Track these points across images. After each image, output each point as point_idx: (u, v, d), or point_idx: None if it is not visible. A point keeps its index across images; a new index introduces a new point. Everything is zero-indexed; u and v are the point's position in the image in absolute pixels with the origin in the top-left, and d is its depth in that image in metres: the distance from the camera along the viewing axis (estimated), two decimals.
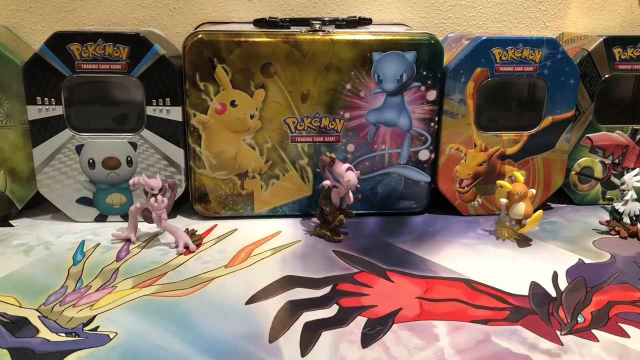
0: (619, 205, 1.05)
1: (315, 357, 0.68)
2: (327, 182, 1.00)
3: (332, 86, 1.03)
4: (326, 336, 0.72)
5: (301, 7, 1.24)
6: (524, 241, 1.02)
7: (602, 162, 1.18)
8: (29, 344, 0.69)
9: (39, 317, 0.75)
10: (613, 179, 1.19)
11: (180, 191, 1.06)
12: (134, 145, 1.04)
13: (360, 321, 0.76)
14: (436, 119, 1.07)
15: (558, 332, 0.74)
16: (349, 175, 0.96)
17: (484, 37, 1.04)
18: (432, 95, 1.05)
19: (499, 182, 1.03)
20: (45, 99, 1.00)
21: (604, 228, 1.07)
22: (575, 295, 0.83)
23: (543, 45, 1.05)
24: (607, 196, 1.21)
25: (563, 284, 0.87)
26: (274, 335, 0.72)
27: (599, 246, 1.01)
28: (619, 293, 0.84)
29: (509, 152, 1.11)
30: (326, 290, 0.84)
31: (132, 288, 0.83)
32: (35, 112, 1.00)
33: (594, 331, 0.74)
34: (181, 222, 1.08)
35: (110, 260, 0.92)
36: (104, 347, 0.69)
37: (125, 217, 1.06)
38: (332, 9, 1.25)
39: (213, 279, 0.86)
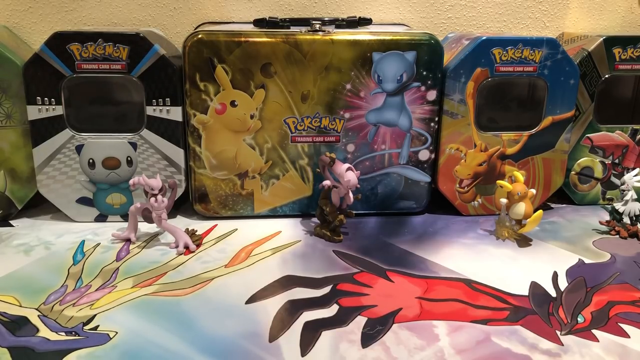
0: (619, 205, 1.05)
1: (315, 357, 0.68)
2: (327, 182, 1.00)
3: (332, 86, 1.03)
4: (326, 336, 0.72)
5: (301, 7, 1.24)
6: (524, 241, 1.02)
7: (602, 162, 1.18)
8: (29, 343, 0.69)
9: (39, 316, 0.75)
10: (613, 179, 1.19)
11: (180, 191, 1.06)
12: (134, 145, 1.04)
13: (360, 321, 0.76)
14: (436, 119, 1.07)
15: (558, 332, 0.74)
16: (349, 175, 0.96)
17: (484, 37, 1.04)
18: (432, 95, 1.05)
19: (499, 182, 1.03)
20: (45, 99, 1.00)
21: (604, 228, 1.07)
22: (575, 295, 0.83)
23: (543, 45, 1.05)
24: (607, 196, 1.20)
25: (563, 284, 0.87)
26: (274, 335, 0.72)
27: (599, 246, 1.01)
28: (619, 293, 0.84)
29: (509, 152, 1.11)
30: (326, 290, 0.83)
31: (132, 287, 0.83)
32: (35, 112, 1.00)
33: (594, 331, 0.74)
34: (181, 222, 1.08)
35: (110, 260, 0.92)
36: (104, 346, 0.69)
37: (125, 217, 1.06)
38: (332, 9, 1.25)
39: (213, 278, 0.86)
